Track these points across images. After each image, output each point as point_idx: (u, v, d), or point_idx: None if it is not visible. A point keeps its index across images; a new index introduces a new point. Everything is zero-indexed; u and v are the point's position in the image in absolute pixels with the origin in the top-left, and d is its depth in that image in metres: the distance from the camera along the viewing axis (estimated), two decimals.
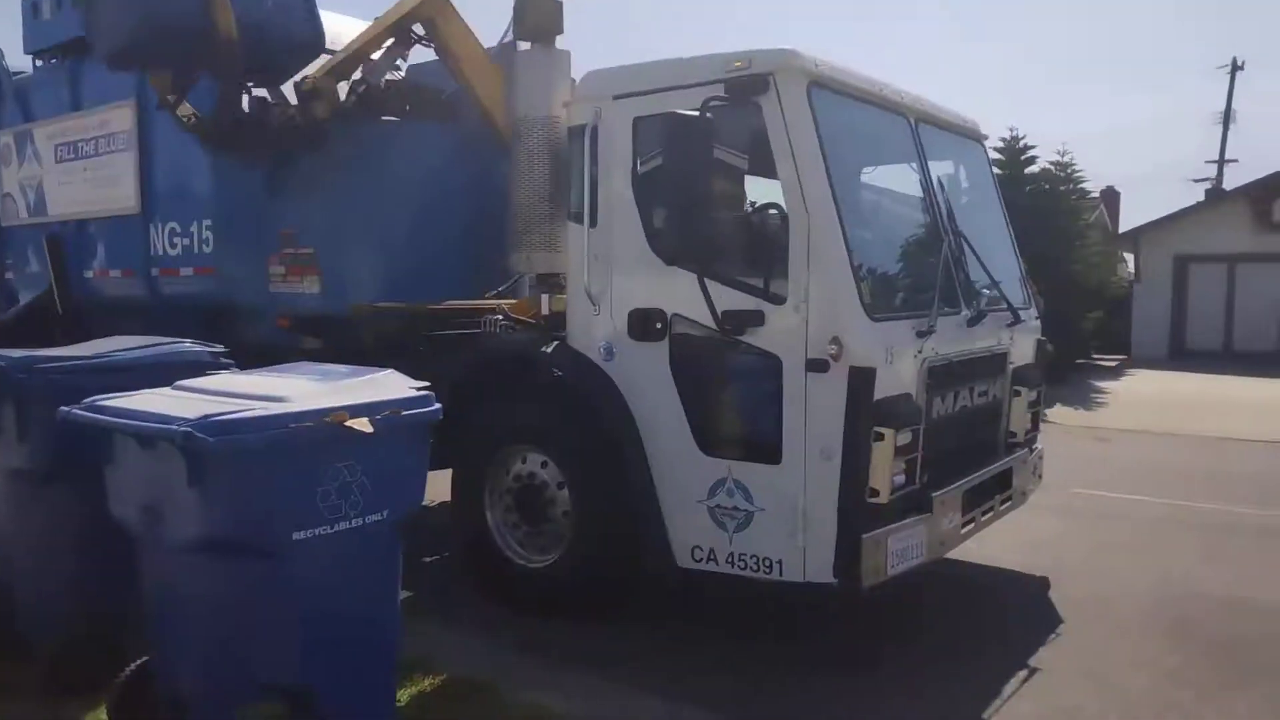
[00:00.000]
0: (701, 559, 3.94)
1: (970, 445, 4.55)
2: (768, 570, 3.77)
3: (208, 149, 5.64)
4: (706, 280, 3.76)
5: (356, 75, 5.43)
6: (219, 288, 5.89)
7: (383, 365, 3.55)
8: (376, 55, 5.39)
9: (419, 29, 5.32)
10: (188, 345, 3.82)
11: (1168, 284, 20.47)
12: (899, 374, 3.82)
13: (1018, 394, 4.89)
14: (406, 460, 3.02)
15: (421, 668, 3.59)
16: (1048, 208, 15.78)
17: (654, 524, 4.02)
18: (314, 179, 5.67)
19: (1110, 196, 27.34)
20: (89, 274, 6.67)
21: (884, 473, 3.65)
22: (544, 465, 4.39)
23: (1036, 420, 5.17)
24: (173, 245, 6.02)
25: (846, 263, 3.70)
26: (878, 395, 3.65)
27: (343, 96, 5.43)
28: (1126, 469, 8.54)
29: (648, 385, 4.06)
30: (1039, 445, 5.24)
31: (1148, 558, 5.57)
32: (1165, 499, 7.10)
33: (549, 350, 4.37)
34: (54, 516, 3.45)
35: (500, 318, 5.03)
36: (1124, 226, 25.20)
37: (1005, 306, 4.72)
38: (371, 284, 5.50)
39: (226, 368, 3.70)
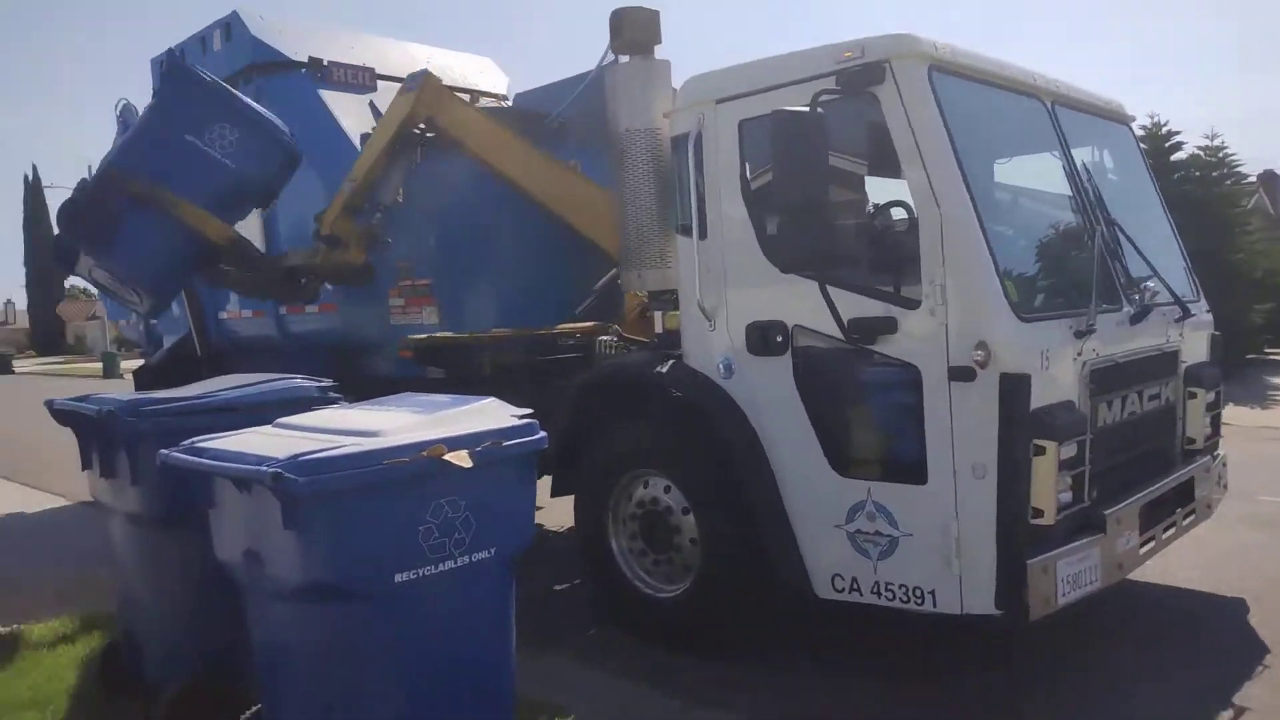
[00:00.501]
0: (844, 589, 3.62)
1: (1144, 455, 4.06)
2: (919, 601, 3.42)
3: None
4: (829, 287, 3.47)
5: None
6: (343, 323, 6.01)
7: (504, 393, 3.40)
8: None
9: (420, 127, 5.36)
10: (296, 381, 3.73)
11: None
12: (1057, 379, 3.41)
13: (1193, 395, 4.35)
14: (513, 493, 2.84)
15: (547, 711, 3.41)
16: (1199, 196, 14.52)
17: (788, 552, 3.72)
18: (423, 213, 5.71)
19: (1270, 180, 25.12)
20: (224, 315, 6.96)
21: (1048, 490, 3.24)
22: (667, 490, 4.17)
23: (1217, 424, 4.59)
24: None
25: (987, 258, 3.34)
26: (1034, 404, 3.26)
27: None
28: None
29: (772, 402, 3.79)
30: (1221, 451, 4.65)
31: None
32: None
33: (665, 370, 4.16)
34: (171, 562, 3.42)
35: (613, 339, 4.88)
36: None
37: (1172, 300, 4.21)
38: (486, 311, 5.47)
39: (333, 402, 3.59)
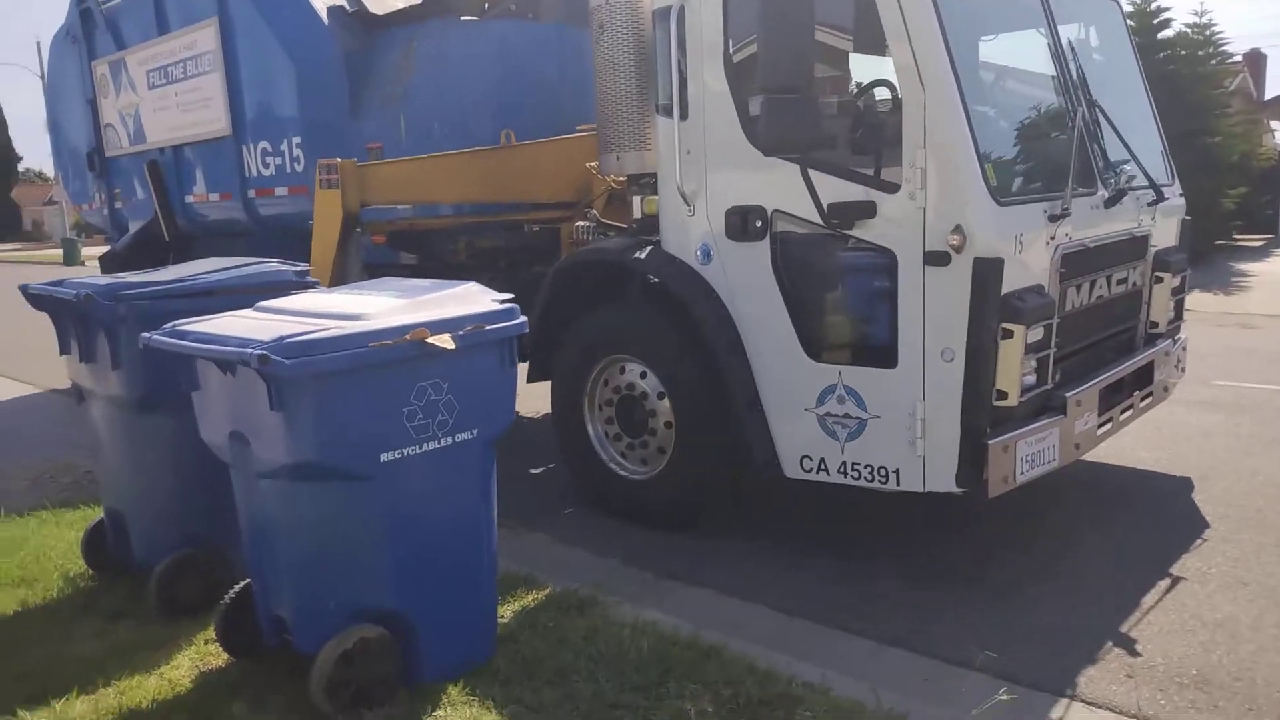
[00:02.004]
0: (812, 469, 3.75)
1: (1108, 338, 4.16)
2: (883, 480, 3.56)
3: None
4: (810, 171, 3.45)
5: None
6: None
7: (478, 278, 3.37)
8: None
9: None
10: (273, 265, 3.71)
11: None
12: (1028, 264, 3.46)
13: (1159, 280, 4.43)
14: (494, 376, 2.89)
15: (526, 584, 3.56)
16: (1184, 75, 14.33)
17: (759, 434, 3.83)
18: (393, 90, 5.53)
19: (1255, 60, 24.66)
20: (190, 199, 6.79)
21: (1013, 373, 3.34)
22: (643, 375, 4.24)
23: (1180, 308, 4.70)
24: (265, 166, 6.03)
25: (969, 142, 3.32)
26: (1005, 288, 3.31)
27: None
28: (1275, 358, 7.83)
29: (749, 288, 3.82)
30: (1182, 335, 4.78)
31: None
32: None
33: (643, 256, 4.15)
34: (154, 444, 3.47)
35: (590, 224, 4.85)
36: (1271, 93, 22.80)
37: (1146, 184, 4.23)
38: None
39: (311, 287, 3.59)
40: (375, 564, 2.75)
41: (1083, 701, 2.82)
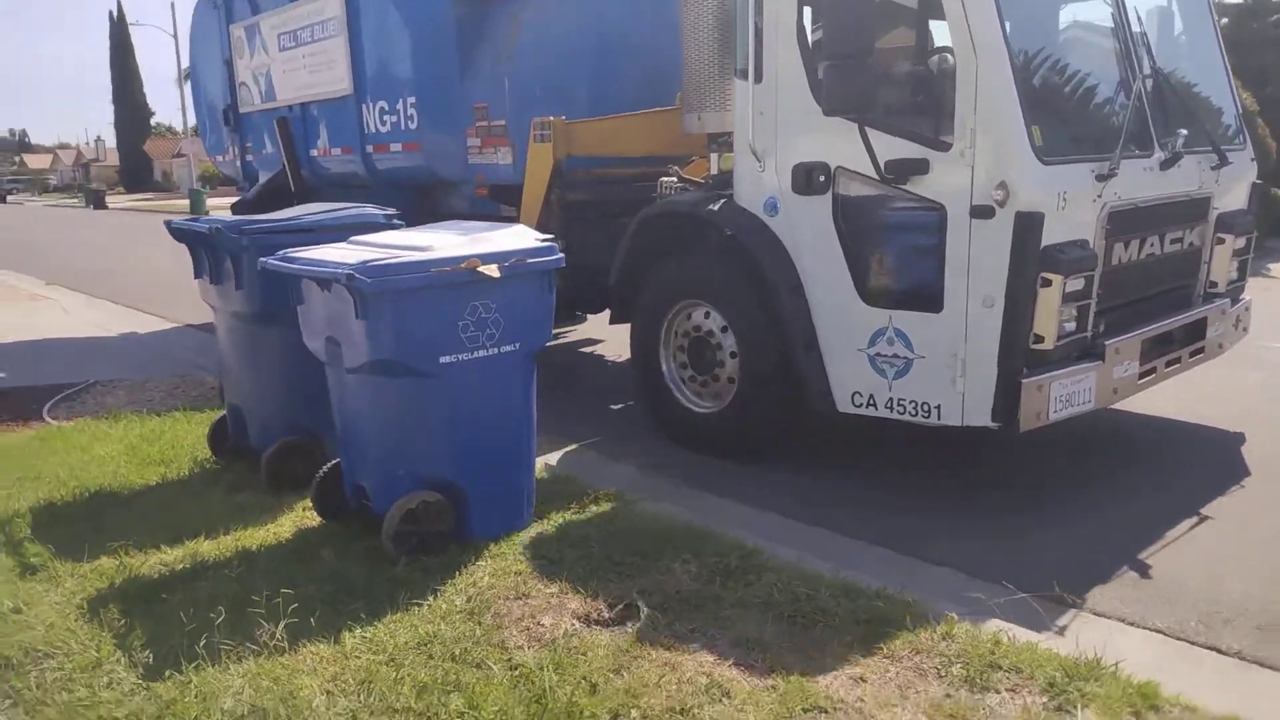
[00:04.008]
0: (862, 404, 4.12)
1: (1160, 294, 4.36)
2: (926, 415, 3.91)
3: None
4: (868, 130, 3.77)
5: None
6: (425, 161, 6.47)
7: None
8: None
9: None
10: (367, 209, 4.47)
11: None
12: (1073, 219, 3.72)
13: (1221, 241, 4.57)
14: (534, 301, 3.55)
15: (569, 482, 4.20)
16: None
17: (816, 372, 4.22)
18: (499, 55, 6.01)
19: None
20: (315, 153, 7.49)
21: (1049, 319, 3.63)
22: (707, 315, 4.66)
23: (1244, 269, 4.82)
24: (383, 123, 6.63)
25: (1016, 106, 3.59)
26: (1047, 241, 3.59)
27: None
28: None
29: (811, 238, 4.18)
30: (1246, 297, 4.89)
31: None
32: None
33: (716, 208, 4.56)
34: (268, 350, 4.25)
35: (674, 179, 5.26)
36: None
37: (1209, 148, 4.37)
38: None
39: (397, 227, 4.28)
40: (436, 444, 3.47)
41: (1090, 611, 3.12)
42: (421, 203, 7.17)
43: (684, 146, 5.47)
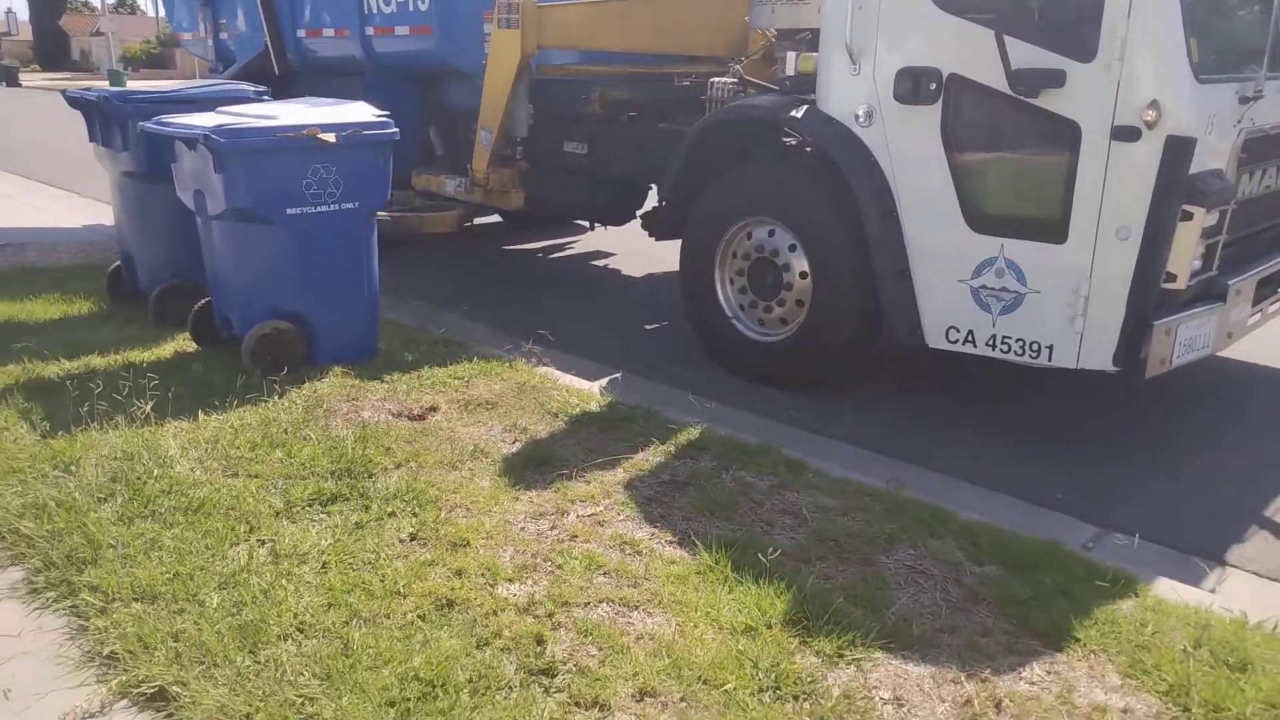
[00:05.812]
0: (958, 340, 3.80)
1: (1266, 230, 4.09)
2: (1034, 355, 3.61)
3: None
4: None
5: None
6: (435, 47, 5.80)
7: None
8: None
9: None
10: (240, 85, 5.19)
11: None
12: (1214, 146, 3.38)
13: None
14: (371, 168, 4.15)
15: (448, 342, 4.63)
16: None
17: (905, 303, 3.87)
18: None
19: None
20: (301, 34, 6.70)
21: (1185, 257, 3.33)
22: (772, 234, 4.26)
23: None
24: (388, 3, 5.91)
25: (1177, 13, 3.19)
26: (1190, 170, 3.26)
27: None
28: None
29: (912, 154, 3.77)
30: None
31: None
32: None
33: (799, 114, 4.09)
34: (152, 205, 4.80)
35: (732, 80, 4.76)
36: None
37: None
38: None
39: (264, 101, 4.84)
40: (286, 281, 4.12)
41: (1200, 558, 2.93)
42: (424, 96, 6.52)
43: (688, 42, 5.05)
